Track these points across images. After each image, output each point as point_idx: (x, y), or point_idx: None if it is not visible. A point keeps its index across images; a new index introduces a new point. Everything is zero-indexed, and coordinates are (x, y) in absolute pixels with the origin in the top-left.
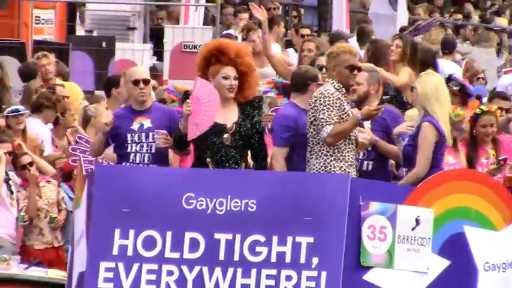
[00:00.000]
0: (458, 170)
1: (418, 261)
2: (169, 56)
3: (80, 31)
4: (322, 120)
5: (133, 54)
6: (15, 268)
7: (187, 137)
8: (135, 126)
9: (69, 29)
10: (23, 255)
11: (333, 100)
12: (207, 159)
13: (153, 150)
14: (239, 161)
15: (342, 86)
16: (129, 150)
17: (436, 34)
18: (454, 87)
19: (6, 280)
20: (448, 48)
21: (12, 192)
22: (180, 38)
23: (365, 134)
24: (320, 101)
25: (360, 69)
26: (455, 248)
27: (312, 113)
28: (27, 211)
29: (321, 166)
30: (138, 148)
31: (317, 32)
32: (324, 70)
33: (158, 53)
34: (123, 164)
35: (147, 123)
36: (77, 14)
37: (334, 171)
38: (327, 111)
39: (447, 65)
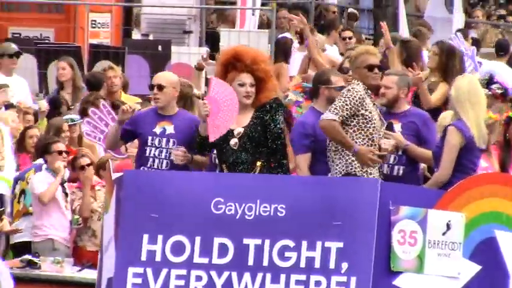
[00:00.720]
0: (489, 173)
1: (449, 266)
2: None
3: (135, 35)
4: (333, 106)
5: (189, 58)
6: (69, 270)
7: (208, 139)
8: (157, 129)
9: (125, 33)
10: (75, 256)
11: (354, 96)
12: (223, 165)
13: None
14: (252, 163)
15: (367, 88)
16: (147, 154)
17: (490, 37)
18: (498, 90)
19: (60, 282)
20: (502, 50)
21: (66, 195)
22: (235, 41)
23: (389, 140)
24: (344, 93)
25: (380, 68)
26: (486, 253)
27: None
28: (80, 211)
29: (343, 166)
30: (156, 153)
31: (372, 35)
32: (351, 72)
33: (214, 57)
34: (141, 168)
35: (170, 129)
36: (133, 17)
37: (355, 171)
38: (342, 102)
39: (500, 68)
